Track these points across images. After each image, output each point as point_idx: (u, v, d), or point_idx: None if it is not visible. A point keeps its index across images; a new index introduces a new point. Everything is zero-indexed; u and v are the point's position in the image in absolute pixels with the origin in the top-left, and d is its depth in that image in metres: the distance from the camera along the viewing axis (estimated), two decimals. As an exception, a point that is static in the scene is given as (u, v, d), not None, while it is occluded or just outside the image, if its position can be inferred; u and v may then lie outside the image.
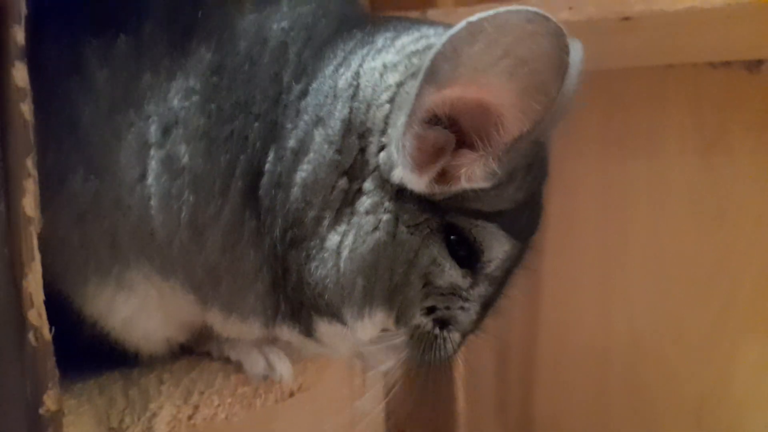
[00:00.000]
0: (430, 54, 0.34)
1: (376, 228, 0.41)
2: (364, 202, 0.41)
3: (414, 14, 0.71)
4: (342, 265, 0.41)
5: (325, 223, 0.41)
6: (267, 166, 0.41)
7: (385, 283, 0.42)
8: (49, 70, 0.41)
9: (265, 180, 0.41)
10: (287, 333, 0.46)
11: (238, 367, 0.47)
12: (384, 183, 0.41)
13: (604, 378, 0.94)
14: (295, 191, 0.41)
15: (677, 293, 0.88)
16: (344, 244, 0.41)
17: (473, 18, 0.33)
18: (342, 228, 0.41)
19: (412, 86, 0.36)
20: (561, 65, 0.34)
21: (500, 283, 0.44)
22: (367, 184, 0.41)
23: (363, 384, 0.88)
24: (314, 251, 0.42)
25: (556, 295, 0.96)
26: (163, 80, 0.41)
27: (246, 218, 0.42)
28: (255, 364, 0.47)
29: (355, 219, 0.41)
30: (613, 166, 0.90)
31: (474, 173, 0.39)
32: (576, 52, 0.49)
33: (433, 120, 0.39)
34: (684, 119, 0.85)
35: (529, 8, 0.33)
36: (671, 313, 0.89)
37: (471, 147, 0.40)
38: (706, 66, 0.82)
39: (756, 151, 0.82)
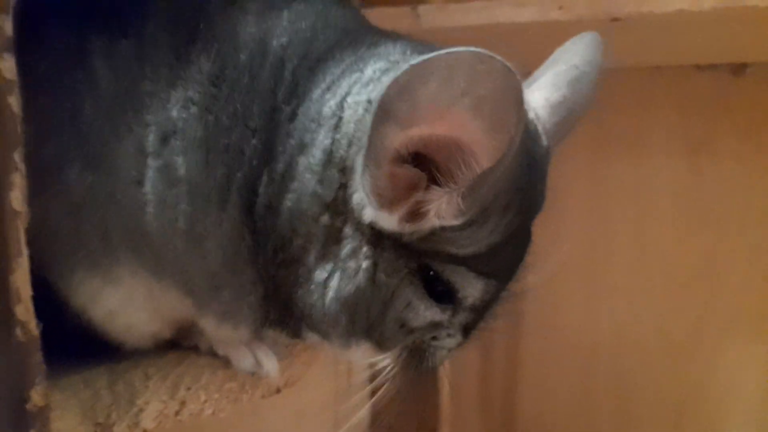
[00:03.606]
0: (378, 95, 0.34)
1: (357, 273, 0.41)
2: (345, 246, 0.41)
3: (404, 10, 0.71)
4: (327, 302, 0.42)
5: (312, 254, 0.42)
6: (261, 189, 0.41)
7: (364, 320, 0.42)
8: (55, 61, 0.41)
9: (259, 202, 0.42)
10: (275, 335, 0.47)
11: (225, 363, 0.47)
12: (360, 225, 0.41)
13: (587, 376, 0.95)
14: (283, 218, 0.41)
15: (661, 293, 0.89)
16: (330, 283, 0.42)
17: (416, 61, 0.33)
18: (328, 266, 0.42)
19: (369, 127, 0.36)
20: (518, 100, 0.34)
21: (482, 310, 0.45)
22: (348, 229, 0.41)
23: (348, 379, 0.89)
24: (302, 279, 0.42)
25: (540, 294, 0.96)
26: (163, 88, 0.41)
27: (245, 235, 0.42)
28: (243, 360, 0.47)
29: (339, 263, 0.41)
30: (599, 166, 0.91)
31: (443, 210, 0.39)
32: (593, 45, 0.48)
33: (402, 158, 0.38)
34: (670, 121, 0.86)
35: (474, 49, 0.32)
36: (655, 312, 0.90)
37: (440, 184, 0.39)
38: (693, 68, 0.83)
39: (740, 153, 0.83)
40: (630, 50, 0.77)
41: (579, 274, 0.94)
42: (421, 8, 0.71)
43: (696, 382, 0.89)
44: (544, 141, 0.45)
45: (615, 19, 0.64)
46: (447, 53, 0.32)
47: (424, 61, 0.33)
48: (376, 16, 0.69)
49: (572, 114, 0.47)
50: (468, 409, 1.04)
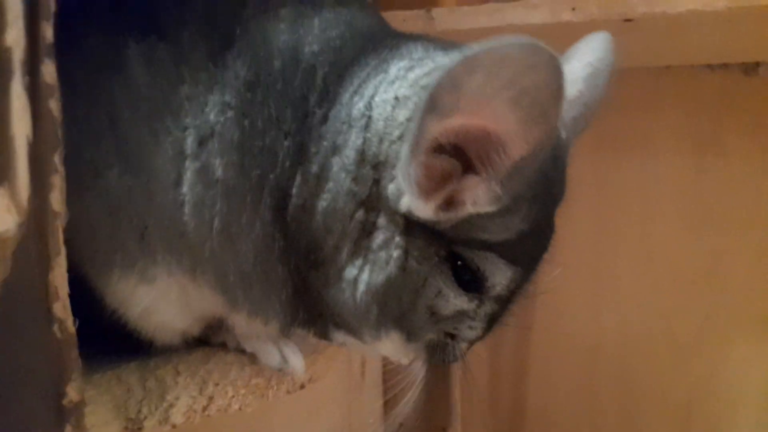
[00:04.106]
0: (430, 87, 0.35)
1: (388, 263, 0.42)
2: (377, 238, 0.42)
3: (418, 12, 0.71)
4: (358, 296, 0.43)
5: (344, 253, 0.43)
6: (294, 190, 0.43)
7: (395, 309, 0.44)
8: (95, 66, 0.42)
9: (292, 204, 0.43)
10: (303, 333, 0.48)
11: (252, 359, 0.48)
12: (394, 216, 0.42)
13: (594, 374, 0.96)
14: (318, 219, 0.42)
15: (667, 292, 0.90)
16: (361, 277, 0.43)
17: (470, 52, 0.34)
18: (359, 261, 0.43)
19: (416, 117, 0.37)
20: (559, 93, 0.35)
21: (507, 300, 0.46)
22: (381, 219, 0.42)
23: (362, 376, 0.90)
24: (333, 279, 0.43)
25: (547, 293, 0.96)
26: (201, 92, 0.42)
27: (276, 237, 0.43)
28: (270, 356, 0.48)
29: (370, 255, 0.42)
30: (607, 165, 0.91)
31: (479, 197, 0.40)
32: (606, 43, 0.49)
33: (439, 148, 0.40)
34: (679, 121, 0.86)
35: (525, 40, 0.33)
36: (661, 311, 0.90)
37: (476, 173, 0.40)
38: (704, 68, 0.84)
39: (749, 153, 0.83)
40: (642, 50, 0.78)
41: (585, 273, 0.94)
42: (435, 11, 0.71)
43: (702, 380, 0.89)
44: (564, 134, 0.46)
45: (628, 20, 0.64)
46: (499, 47, 0.33)
47: (477, 54, 0.34)
48: (391, 19, 0.69)
49: (588, 109, 0.49)
50: (477, 407, 1.05)
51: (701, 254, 0.87)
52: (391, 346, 0.46)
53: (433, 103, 0.36)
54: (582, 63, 0.49)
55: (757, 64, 0.80)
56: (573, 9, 0.66)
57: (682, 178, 0.87)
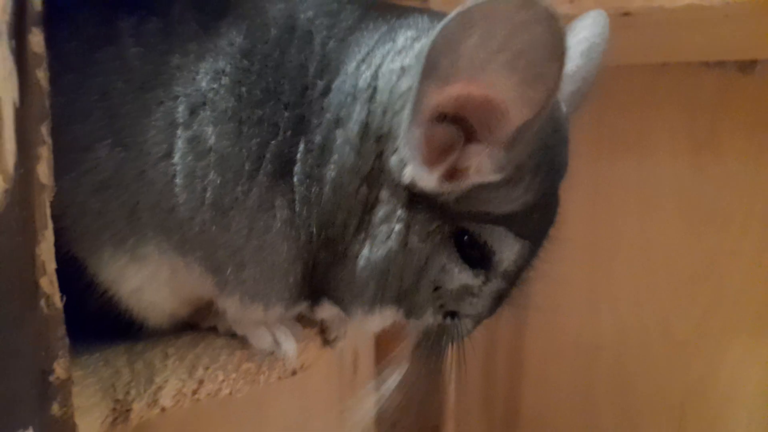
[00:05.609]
0: (426, 47, 0.35)
1: (388, 237, 0.42)
2: (379, 212, 0.42)
3: (415, 2, 0.71)
4: (357, 271, 0.43)
5: (351, 230, 0.42)
6: (299, 155, 0.42)
7: (395, 286, 0.43)
8: (86, 40, 0.41)
9: (298, 168, 0.42)
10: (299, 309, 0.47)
11: (243, 343, 0.47)
12: (396, 189, 0.42)
13: (590, 374, 0.96)
14: (328, 190, 0.42)
15: (664, 291, 0.90)
16: (362, 253, 0.42)
17: (463, 8, 0.33)
18: (361, 237, 0.42)
19: (414, 80, 0.37)
20: (558, 52, 0.34)
21: (514, 276, 0.46)
22: (383, 193, 0.42)
23: (354, 372, 0.89)
24: (339, 257, 0.43)
25: (543, 291, 0.96)
26: (192, 61, 0.41)
27: (276, 205, 0.42)
28: (262, 339, 0.48)
29: (371, 230, 0.42)
30: (604, 163, 0.91)
31: (483, 166, 0.40)
32: (601, 20, 0.49)
33: (440, 117, 0.39)
34: (676, 118, 0.87)
35: None
36: (658, 311, 0.90)
37: (479, 141, 0.40)
38: (700, 65, 0.84)
39: (746, 151, 0.83)
40: (638, 46, 0.78)
41: (582, 271, 0.94)
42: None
43: (699, 380, 0.89)
44: (564, 108, 0.46)
45: (626, 14, 0.64)
46: (492, 1, 0.33)
47: (469, 8, 0.33)
48: (387, 8, 0.69)
49: (585, 83, 0.49)
50: (471, 407, 1.05)
51: (698, 253, 0.87)
52: (380, 322, 0.45)
53: (431, 66, 0.35)
54: (577, 38, 0.49)
55: (754, 62, 0.81)
56: (571, 2, 0.66)
57: (679, 177, 0.87)
